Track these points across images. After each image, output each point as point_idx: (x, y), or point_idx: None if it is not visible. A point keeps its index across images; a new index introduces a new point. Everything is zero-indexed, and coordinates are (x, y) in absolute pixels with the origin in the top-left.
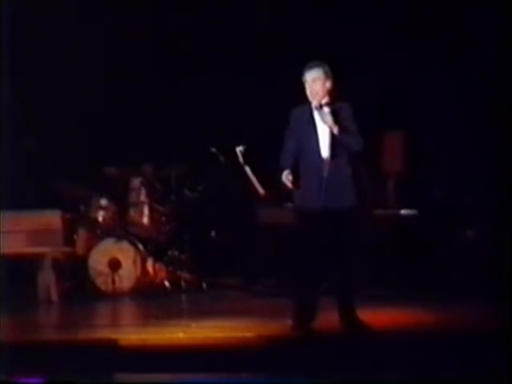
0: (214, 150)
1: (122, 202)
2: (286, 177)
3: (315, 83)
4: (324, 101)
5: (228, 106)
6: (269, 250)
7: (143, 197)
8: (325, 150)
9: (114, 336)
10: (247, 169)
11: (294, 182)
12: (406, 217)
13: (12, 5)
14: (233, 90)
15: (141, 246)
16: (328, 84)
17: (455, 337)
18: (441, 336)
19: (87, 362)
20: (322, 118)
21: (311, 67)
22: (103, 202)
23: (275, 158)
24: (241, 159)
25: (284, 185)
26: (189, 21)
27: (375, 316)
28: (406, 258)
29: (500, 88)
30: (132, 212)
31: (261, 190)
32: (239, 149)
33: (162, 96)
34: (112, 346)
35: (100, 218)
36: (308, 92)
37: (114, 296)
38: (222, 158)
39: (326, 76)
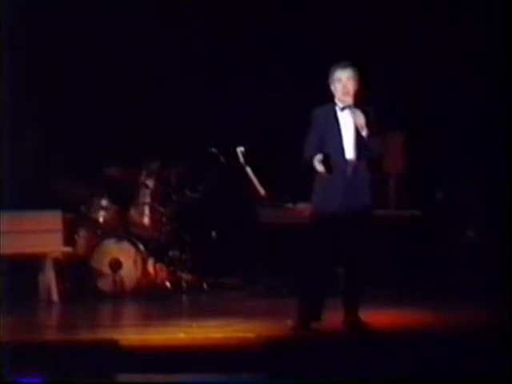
0: (214, 150)
1: (122, 203)
2: (318, 159)
3: (349, 81)
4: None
5: (229, 106)
6: (269, 250)
7: (144, 197)
8: (349, 152)
9: (115, 336)
10: (248, 169)
11: (324, 162)
12: (405, 217)
13: (12, 5)
14: (233, 90)
15: (141, 247)
16: (356, 85)
17: (455, 337)
18: (441, 336)
19: (87, 362)
20: (355, 118)
21: (345, 66)
22: (104, 202)
23: (276, 159)
24: (242, 160)
25: (285, 184)
26: (189, 21)
27: (375, 316)
28: (406, 258)
29: (500, 89)
30: (133, 212)
31: (261, 191)
32: (240, 149)
33: (163, 96)
34: (113, 347)
35: (101, 219)
36: (339, 90)
37: (115, 296)
38: (222, 159)
39: (356, 77)
